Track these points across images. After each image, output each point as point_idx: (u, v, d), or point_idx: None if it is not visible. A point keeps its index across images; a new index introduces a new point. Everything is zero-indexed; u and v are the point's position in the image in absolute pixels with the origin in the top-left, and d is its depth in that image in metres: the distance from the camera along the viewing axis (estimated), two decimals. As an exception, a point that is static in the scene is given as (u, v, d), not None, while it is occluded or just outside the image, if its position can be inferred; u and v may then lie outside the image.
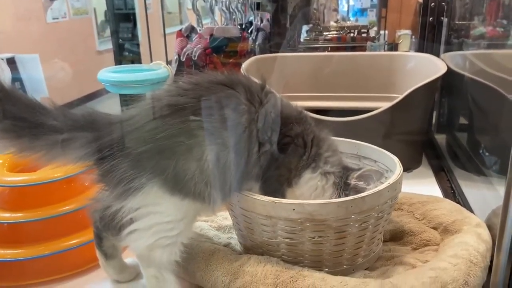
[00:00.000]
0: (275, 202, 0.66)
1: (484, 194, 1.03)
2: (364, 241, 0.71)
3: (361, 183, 0.71)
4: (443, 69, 1.12)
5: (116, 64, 1.40)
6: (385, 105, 1.39)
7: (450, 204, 0.85)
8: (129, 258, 0.79)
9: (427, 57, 1.29)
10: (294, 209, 0.65)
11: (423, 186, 1.07)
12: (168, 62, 1.51)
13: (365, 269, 0.74)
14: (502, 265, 0.57)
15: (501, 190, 1.02)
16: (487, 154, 1.18)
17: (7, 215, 0.78)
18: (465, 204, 0.96)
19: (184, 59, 1.64)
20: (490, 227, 0.78)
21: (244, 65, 1.28)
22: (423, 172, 1.18)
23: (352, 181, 0.71)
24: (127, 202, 0.63)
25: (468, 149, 1.26)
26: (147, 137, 0.63)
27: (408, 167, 1.18)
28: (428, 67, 1.21)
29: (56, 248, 0.77)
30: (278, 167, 0.71)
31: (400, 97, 1.08)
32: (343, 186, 0.72)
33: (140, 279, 0.77)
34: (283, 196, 0.71)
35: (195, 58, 1.62)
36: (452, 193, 1.04)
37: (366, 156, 0.87)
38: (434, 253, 0.75)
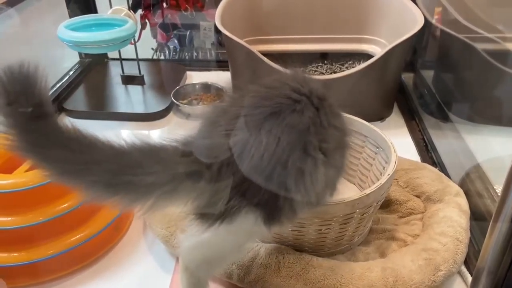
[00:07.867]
0: (287, 204, 0.69)
1: (453, 144, 1.11)
2: (362, 223, 0.77)
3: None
4: (420, 20, 1.11)
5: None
6: (357, 47, 1.39)
7: (430, 171, 0.92)
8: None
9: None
10: (305, 210, 0.69)
11: (396, 138, 1.13)
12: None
13: (360, 245, 0.81)
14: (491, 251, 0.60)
15: (467, 138, 1.11)
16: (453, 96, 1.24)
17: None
18: (438, 161, 1.04)
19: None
20: (466, 193, 0.87)
21: (219, 11, 1.21)
22: (395, 120, 1.24)
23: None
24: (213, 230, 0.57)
25: (434, 90, 1.31)
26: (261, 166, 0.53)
27: (381, 117, 1.23)
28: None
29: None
30: None
31: (378, 55, 1.08)
32: None
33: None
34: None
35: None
36: (425, 146, 1.12)
37: (357, 130, 0.90)
38: (419, 223, 0.83)
